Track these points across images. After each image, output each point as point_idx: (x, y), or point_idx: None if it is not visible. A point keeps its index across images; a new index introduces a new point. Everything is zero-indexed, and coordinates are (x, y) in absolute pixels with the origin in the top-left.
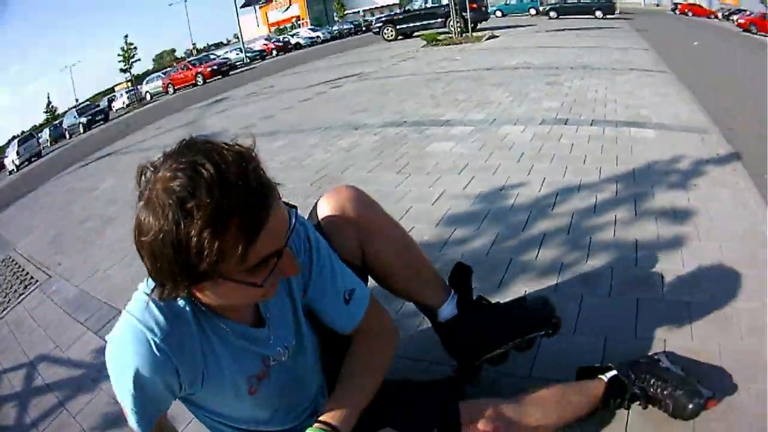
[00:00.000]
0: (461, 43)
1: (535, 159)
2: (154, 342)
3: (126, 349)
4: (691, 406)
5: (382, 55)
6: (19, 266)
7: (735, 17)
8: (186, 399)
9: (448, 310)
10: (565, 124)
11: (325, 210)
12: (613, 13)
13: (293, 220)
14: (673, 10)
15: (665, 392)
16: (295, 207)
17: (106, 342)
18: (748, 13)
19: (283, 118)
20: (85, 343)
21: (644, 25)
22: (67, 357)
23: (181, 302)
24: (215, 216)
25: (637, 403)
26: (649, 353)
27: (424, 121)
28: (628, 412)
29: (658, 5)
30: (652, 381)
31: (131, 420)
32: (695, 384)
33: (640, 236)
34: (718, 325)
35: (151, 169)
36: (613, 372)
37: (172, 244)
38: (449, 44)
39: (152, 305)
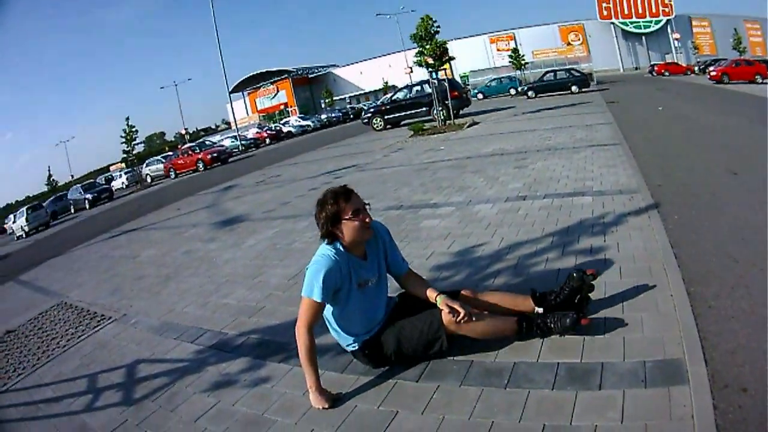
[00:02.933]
0: (445, 131)
1: (497, 226)
2: (334, 257)
3: (322, 260)
4: (568, 321)
5: (374, 146)
6: (83, 308)
7: (710, 69)
8: (334, 297)
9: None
10: (524, 200)
11: None
12: (589, 86)
13: (365, 203)
14: (651, 72)
15: (553, 320)
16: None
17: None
18: (720, 63)
19: (300, 205)
20: (183, 348)
21: (616, 96)
22: (166, 357)
23: (338, 245)
24: (334, 200)
25: (540, 329)
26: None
27: (417, 205)
28: (558, 363)
29: (636, 69)
30: (547, 316)
31: (316, 293)
32: (570, 312)
33: (562, 266)
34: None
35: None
36: (540, 310)
37: (326, 213)
38: (434, 133)
39: (329, 247)
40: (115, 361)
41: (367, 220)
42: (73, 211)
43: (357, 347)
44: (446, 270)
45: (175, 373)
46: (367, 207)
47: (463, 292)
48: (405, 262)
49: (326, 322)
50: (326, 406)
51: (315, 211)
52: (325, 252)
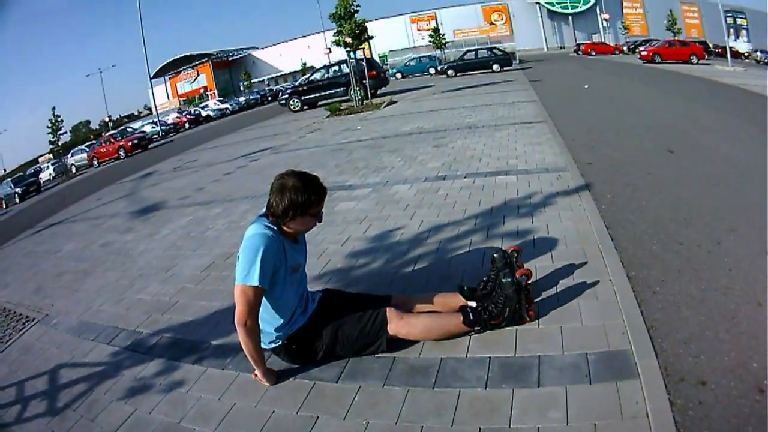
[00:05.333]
0: (362, 111)
1: (417, 207)
2: (272, 234)
3: (260, 236)
4: (512, 311)
5: (290, 127)
6: (10, 310)
7: (641, 49)
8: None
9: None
10: (444, 179)
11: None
12: (511, 65)
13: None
14: (576, 51)
15: (499, 309)
16: None
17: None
18: (652, 43)
19: (214, 190)
20: (100, 351)
21: (540, 74)
22: (84, 361)
23: (273, 225)
24: (315, 196)
25: (488, 315)
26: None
27: (331, 187)
28: (490, 358)
29: (561, 48)
30: (490, 306)
31: (254, 278)
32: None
33: (487, 251)
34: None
35: (279, 178)
36: (473, 303)
37: (293, 203)
38: (351, 113)
39: (268, 223)
40: (39, 366)
41: (320, 222)
42: (4, 206)
43: (281, 342)
44: (363, 256)
45: (93, 378)
46: None
47: (393, 299)
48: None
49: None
50: (271, 384)
51: (281, 188)
52: (260, 230)
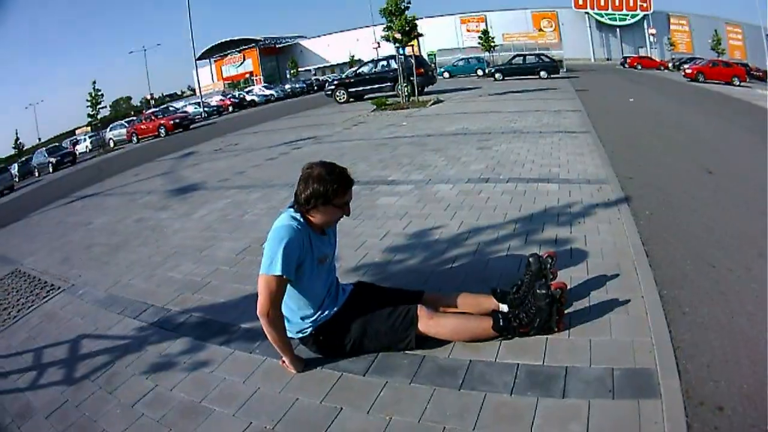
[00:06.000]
0: (408, 107)
1: (457, 208)
2: (297, 227)
3: (285, 228)
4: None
5: (335, 118)
6: (35, 277)
7: (685, 66)
8: (296, 274)
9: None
10: (486, 182)
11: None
12: (558, 73)
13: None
14: (623, 64)
15: (530, 318)
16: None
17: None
18: (696, 62)
19: (254, 175)
20: (126, 324)
21: (586, 84)
22: (108, 334)
23: (299, 217)
24: (338, 183)
25: (519, 321)
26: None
27: (374, 181)
28: (518, 365)
29: (608, 59)
30: (521, 313)
31: (277, 267)
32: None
33: (525, 255)
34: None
35: (307, 167)
36: (504, 307)
37: (315, 192)
38: (397, 109)
39: (295, 215)
40: (61, 335)
41: (348, 214)
42: (37, 174)
43: (309, 332)
44: (401, 252)
45: (116, 350)
46: None
47: (425, 295)
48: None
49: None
50: (299, 371)
51: (306, 177)
52: (286, 222)
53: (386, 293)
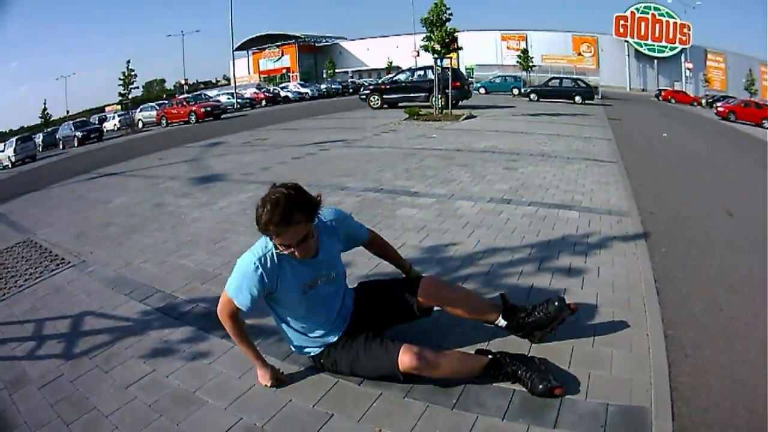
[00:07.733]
0: (440, 119)
1: (476, 226)
2: (263, 263)
3: (248, 266)
4: (540, 386)
5: (367, 123)
6: (46, 249)
7: (718, 105)
8: (271, 299)
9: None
10: (508, 203)
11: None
12: (593, 99)
13: (313, 231)
14: (657, 96)
15: (527, 375)
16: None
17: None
18: (729, 100)
19: (280, 172)
20: (131, 307)
21: (620, 113)
22: (112, 314)
23: (271, 246)
24: (264, 225)
25: (508, 377)
26: (528, 354)
27: (397, 191)
28: (514, 390)
29: (644, 90)
30: (521, 367)
31: (238, 300)
32: (548, 374)
33: (536, 283)
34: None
35: (271, 187)
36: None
37: (257, 219)
38: (429, 120)
39: (265, 245)
40: (65, 309)
41: (296, 254)
42: (61, 147)
43: (315, 354)
44: (415, 266)
45: (117, 331)
46: (312, 238)
47: (425, 281)
48: (363, 228)
49: (279, 327)
50: (268, 384)
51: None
52: (257, 252)
53: (387, 290)
